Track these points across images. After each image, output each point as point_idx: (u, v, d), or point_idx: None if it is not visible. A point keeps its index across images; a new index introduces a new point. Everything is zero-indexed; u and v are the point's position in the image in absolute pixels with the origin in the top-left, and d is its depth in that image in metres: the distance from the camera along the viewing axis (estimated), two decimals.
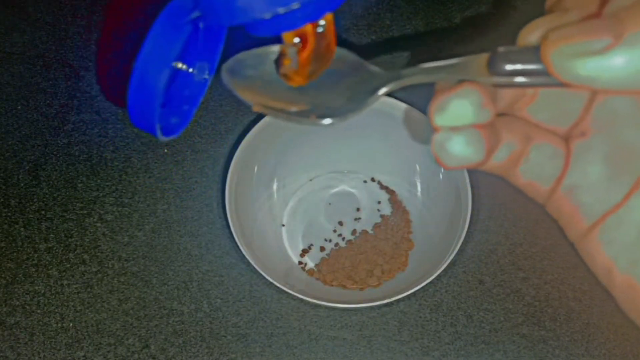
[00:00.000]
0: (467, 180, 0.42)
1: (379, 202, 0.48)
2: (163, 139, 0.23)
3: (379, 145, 0.48)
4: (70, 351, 0.43)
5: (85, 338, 0.43)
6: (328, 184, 0.49)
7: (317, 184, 0.49)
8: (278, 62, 0.22)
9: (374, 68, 0.21)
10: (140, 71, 0.21)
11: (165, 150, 0.49)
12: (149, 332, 0.44)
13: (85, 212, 0.47)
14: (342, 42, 0.22)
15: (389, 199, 0.48)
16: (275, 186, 0.48)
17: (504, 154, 0.20)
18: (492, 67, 0.18)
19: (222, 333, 0.44)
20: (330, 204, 0.49)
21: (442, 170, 0.44)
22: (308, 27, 0.21)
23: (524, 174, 0.21)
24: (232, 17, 0.19)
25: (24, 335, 0.43)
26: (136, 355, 0.43)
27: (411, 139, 0.45)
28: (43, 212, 0.47)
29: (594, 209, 0.19)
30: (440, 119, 0.18)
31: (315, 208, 0.48)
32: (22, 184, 0.48)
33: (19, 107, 0.51)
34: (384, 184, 0.49)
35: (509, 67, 0.18)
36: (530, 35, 0.18)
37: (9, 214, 0.47)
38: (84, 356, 0.43)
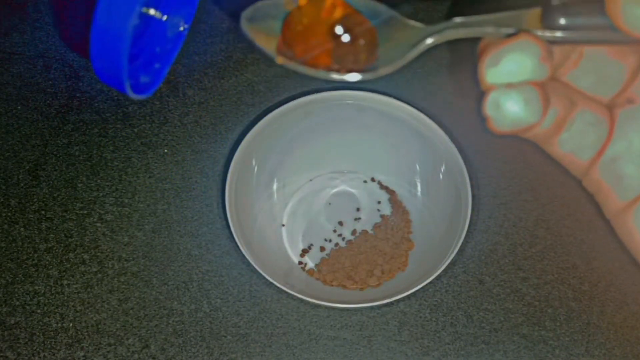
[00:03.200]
0: (467, 180, 0.42)
1: (379, 202, 0.48)
2: (134, 96, 0.21)
3: (379, 145, 0.48)
4: (70, 351, 0.43)
5: (85, 338, 0.43)
6: (328, 184, 0.49)
7: (317, 184, 0.49)
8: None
9: (411, 21, 0.19)
10: (104, 11, 0.18)
11: (165, 150, 0.49)
12: (149, 332, 0.44)
13: (85, 212, 0.47)
14: None
15: (389, 199, 0.48)
16: (275, 186, 0.48)
17: (550, 120, 0.18)
18: (547, 20, 0.17)
19: (222, 333, 0.44)
20: (330, 204, 0.49)
21: (442, 170, 0.45)
22: None
23: (564, 144, 0.19)
24: None
25: (24, 335, 0.43)
26: (136, 355, 0.43)
27: (411, 138, 0.45)
28: (43, 212, 0.47)
29: (638, 180, 0.18)
30: (494, 75, 0.16)
31: (315, 208, 0.48)
32: (22, 184, 0.48)
33: (19, 107, 0.51)
34: (384, 184, 0.49)
35: (566, 20, 0.16)
36: None
37: (9, 214, 0.47)
38: (84, 356, 0.43)
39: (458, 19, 0.18)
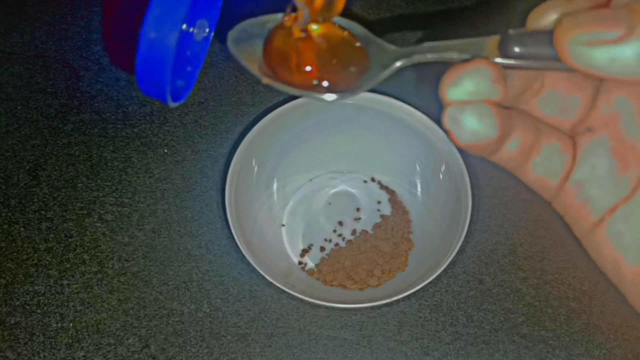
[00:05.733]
0: (467, 180, 0.42)
1: (379, 202, 0.48)
2: (173, 104, 0.23)
3: (379, 145, 0.48)
4: (70, 351, 0.43)
5: (85, 338, 0.43)
6: (328, 184, 0.49)
7: (317, 184, 0.49)
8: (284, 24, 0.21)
9: (385, 43, 0.21)
10: (149, 34, 0.20)
11: (165, 150, 0.49)
12: (149, 332, 0.44)
13: (85, 212, 0.47)
14: (346, 16, 0.22)
15: (389, 199, 0.48)
16: (275, 186, 0.48)
17: (516, 144, 0.20)
18: (503, 48, 0.19)
19: (222, 333, 0.44)
20: (330, 204, 0.49)
21: (442, 170, 0.44)
22: None
23: (535, 168, 0.21)
24: None
25: (24, 335, 0.43)
26: (136, 355, 0.43)
27: (411, 138, 0.45)
28: (43, 212, 0.47)
29: (602, 202, 0.20)
30: (453, 93, 0.18)
31: (315, 208, 0.48)
32: (22, 184, 0.48)
33: (19, 107, 0.51)
34: (384, 184, 0.49)
35: (520, 49, 0.18)
36: (540, 18, 0.19)
37: (9, 214, 0.47)
38: (84, 356, 0.43)
39: (427, 44, 0.20)
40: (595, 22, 0.16)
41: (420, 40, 0.53)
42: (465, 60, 0.19)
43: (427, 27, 0.54)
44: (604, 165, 0.20)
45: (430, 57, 0.20)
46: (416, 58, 0.20)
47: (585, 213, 0.20)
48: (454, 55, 0.19)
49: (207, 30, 0.24)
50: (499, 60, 0.19)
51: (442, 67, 0.19)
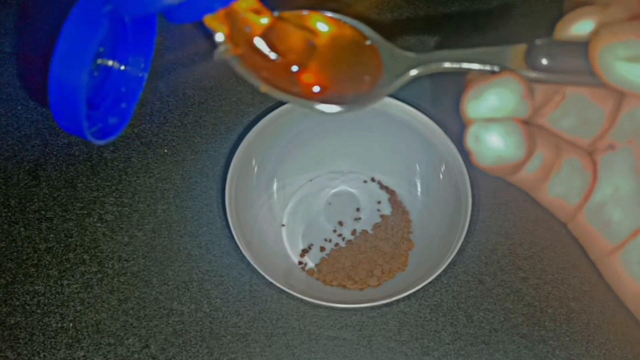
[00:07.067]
0: (467, 180, 0.42)
1: (379, 202, 0.48)
2: (98, 143, 0.22)
3: (379, 145, 0.48)
4: (70, 351, 0.43)
5: (85, 338, 0.43)
6: (328, 184, 0.49)
7: (317, 184, 0.49)
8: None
9: (397, 48, 0.19)
10: (57, 73, 0.19)
11: (165, 150, 0.49)
12: (149, 332, 0.44)
13: (85, 212, 0.47)
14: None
15: (389, 199, 0.48)
16: (275, 186, 0.48)
17: (537, 163, 0.18)
18: (530, 60, 0.17)
19: (222, 333, 0.44)
20: (330, 204, 0.49)
21: (442, 170, 0.44)
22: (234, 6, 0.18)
23: (552, 189, 0.19)
24: (141, 6, 0.18)
25: (24, 335, 0.43)
26: (136, 355, 0.43)
27: (411, 138, 0.45)
28: (43, 212, 0.47)
29: (625, 226, 0.18)
30: (475, 110, 0.16)
31: (315, 208, 0.48)
32: (22, 184, 0.48)
33: (19, 107, 0.51)
34: (384, 184, 0.49)
35: (549, 61, 0.16)
36: (570, 26, 0.17)
37: (9, 214, 0.47)
38: (84, 356, 0.43)
39: (445, 52, 0.18)
40: (635, 34, 0.14)
41: (422, 43, 0.53)
42: (487, 72, 0.17)
43: (428, 28, 0.54)
44: (627, 186, 0.18)
45: (448, 66, 0.18)
46: (433, 67, 0.18)
47: (604, 236, 0.18)
48: (475, 66, 0.17)
49: (142, 67, 0.24)
50: (524, 73, 0.17)
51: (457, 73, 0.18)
